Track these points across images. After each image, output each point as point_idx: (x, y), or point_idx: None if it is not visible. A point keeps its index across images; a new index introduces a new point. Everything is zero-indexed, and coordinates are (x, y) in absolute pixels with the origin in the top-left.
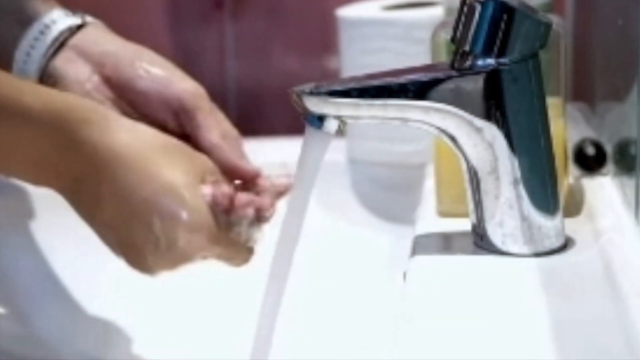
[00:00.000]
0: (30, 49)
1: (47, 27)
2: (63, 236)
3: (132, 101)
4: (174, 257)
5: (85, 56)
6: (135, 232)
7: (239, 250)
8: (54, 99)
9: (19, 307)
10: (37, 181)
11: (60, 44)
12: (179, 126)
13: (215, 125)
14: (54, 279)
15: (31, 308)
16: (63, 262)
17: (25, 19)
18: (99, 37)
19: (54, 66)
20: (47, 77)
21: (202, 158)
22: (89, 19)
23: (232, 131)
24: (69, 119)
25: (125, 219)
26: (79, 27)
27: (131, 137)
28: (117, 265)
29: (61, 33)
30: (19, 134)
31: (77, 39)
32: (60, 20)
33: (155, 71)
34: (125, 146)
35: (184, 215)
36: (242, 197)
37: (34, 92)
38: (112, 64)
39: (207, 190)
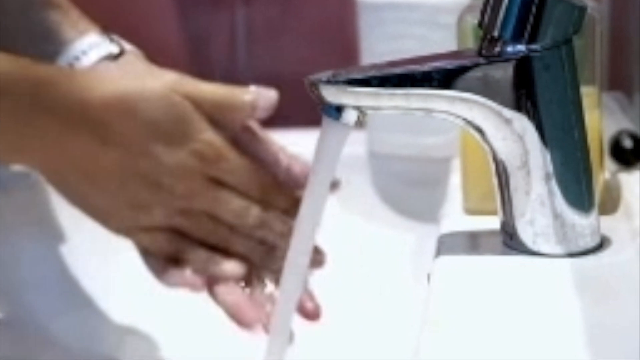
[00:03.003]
0: None
1: (76, 58)
2: (76, 234)
3: None
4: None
5: None
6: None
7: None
8: (26, 66)
9: (31, 308)
10: (15, 157)
11: None
12: None
13: None
14: (66, 280)
15: (44, 309)
16: (77, 262)
17: (57, 43)
18: (134, 68)
19: None
20: None
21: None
22: (127, 47)
23: None
24: (37, 83)
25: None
26: (115, 56)
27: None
28: (132, 264)
29: (94, 64)
30: None
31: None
32: (93, 49)
33: None
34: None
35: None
36: None
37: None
38: None
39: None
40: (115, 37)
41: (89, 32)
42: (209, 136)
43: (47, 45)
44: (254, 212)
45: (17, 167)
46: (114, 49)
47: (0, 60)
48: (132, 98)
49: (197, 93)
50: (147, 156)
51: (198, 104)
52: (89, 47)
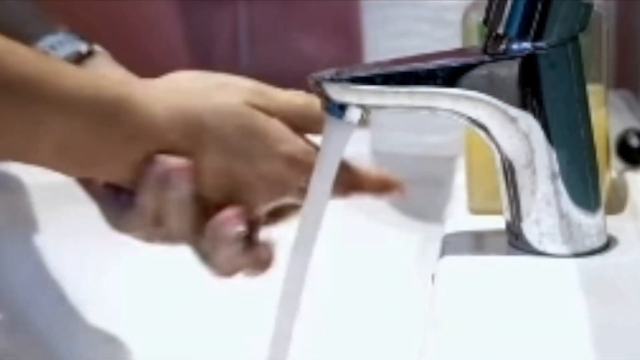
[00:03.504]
0: None
1: (52, 48)
2: (65, 236)
3: None
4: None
5: None
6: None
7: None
8: (85, 78)
9: (18, 311)
10: (83, 171)
11: None
12: None
13: None
14: (54, 282)
15: (31, 312)
16: (64, 265)
17: (24, 38)
18: (104, 70)
19: None
20: None
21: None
22: (97, 48)
23: None
24: (101, 96)
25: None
26: (84, 55)
27: (172, 91)
28: (121, 268)
29: (66, 58)
30: (53, 117)
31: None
32: (63, 44)
33: None
34: (171, 100)
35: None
36: None
37: (70, 72)
38: None
39: None
40: (85, 36)
41: (57, 30)
42: (288, 150)
43: (15, 38)
44: None
45: None
46: (82, 47)
47: (80, 77)
48: (200, 115)
49: (272, 104)
50: (226, 175)
51: (273, 114)
52: (57, 43)
